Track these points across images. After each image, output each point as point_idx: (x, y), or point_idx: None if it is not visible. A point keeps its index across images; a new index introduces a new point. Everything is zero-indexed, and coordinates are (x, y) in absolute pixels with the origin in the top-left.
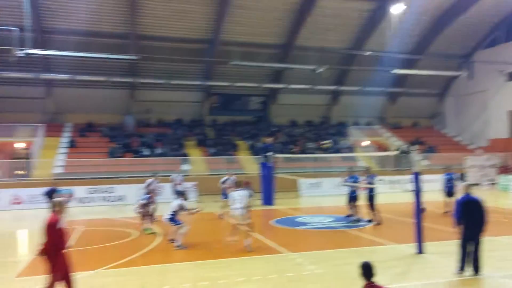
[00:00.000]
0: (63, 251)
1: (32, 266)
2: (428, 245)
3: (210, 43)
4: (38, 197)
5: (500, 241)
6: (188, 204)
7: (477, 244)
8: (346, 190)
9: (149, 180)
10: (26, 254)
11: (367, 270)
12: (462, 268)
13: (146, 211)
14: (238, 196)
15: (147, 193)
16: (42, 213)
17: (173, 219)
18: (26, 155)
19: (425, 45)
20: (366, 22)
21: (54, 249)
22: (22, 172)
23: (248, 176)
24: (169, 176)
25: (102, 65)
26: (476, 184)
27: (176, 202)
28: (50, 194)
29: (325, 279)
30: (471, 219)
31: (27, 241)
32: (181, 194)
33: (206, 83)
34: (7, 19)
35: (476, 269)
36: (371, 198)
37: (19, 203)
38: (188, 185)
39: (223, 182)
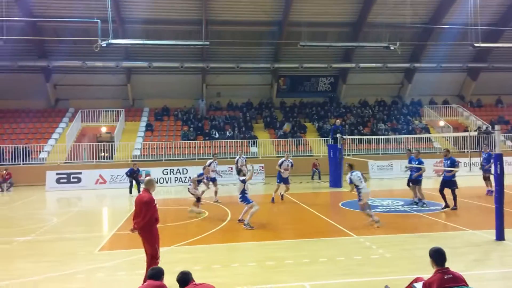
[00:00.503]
0: (157, 225)
1: (112, 241)
2: (509, 232)
3: (278, 24)
4: (120, 177)
5: None
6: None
7: None
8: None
9: (209, 161)
10: (109, 230)
11: (437, 256)
12: None
13: (195, 192)
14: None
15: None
16: (123, 192)
17: (244, 198)
18: (109, 139)
19: (511, 15)
20: None
21: (150, 224)
22: (105, 154)
23: (317, 158)
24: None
25: (175, 51)
26: None
27: (240, 182)
28: (131, 174)
29: (395, 263)
30: None
31: (110, 217)
32: (239, 171)
33: (274, 66)
34: (92, 11)
35: None
36: (452, 183)
37: (103, 183)
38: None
39: (280, 165)
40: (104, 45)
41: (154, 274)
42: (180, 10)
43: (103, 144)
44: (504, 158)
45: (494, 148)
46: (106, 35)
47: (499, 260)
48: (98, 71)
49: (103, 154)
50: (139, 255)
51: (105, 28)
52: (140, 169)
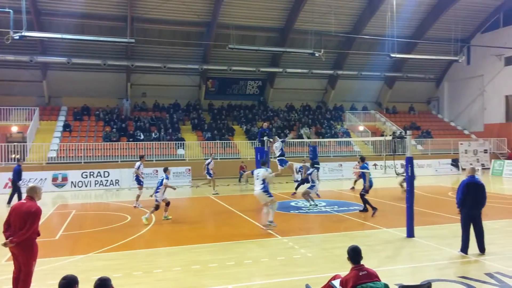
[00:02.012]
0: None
1: None
2: (418, 229)
3: (208, 26)
4: (32, 181)
5: (486, 225)
6: None
7: (479, 225)
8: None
9: (208, 160)
10: None
11: (354, 254)
12: (463, 249)
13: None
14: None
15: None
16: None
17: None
18: (21, 139)
19: (424, 29)
20: (366, 5)
21: (33, 238)
22: (16, 156)
23: (244, 161)
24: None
25: (98, 48)
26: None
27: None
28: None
29: (315, 262)
30: (473, 200)
31: None
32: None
33: (202, 67)
34: (2, 0)
35: (481, 249)
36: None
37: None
38: (182, 170)
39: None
40: (17, 37)
41: (66, 283)
42: (104, 4)
43: (14, 145)
44: (415, 161)
45: (406, 152)
46: (19, 27)
47: (408, 256)
48: (9, 65)
49: (13, 155)
50: (51, 265)
51: (18, 19)
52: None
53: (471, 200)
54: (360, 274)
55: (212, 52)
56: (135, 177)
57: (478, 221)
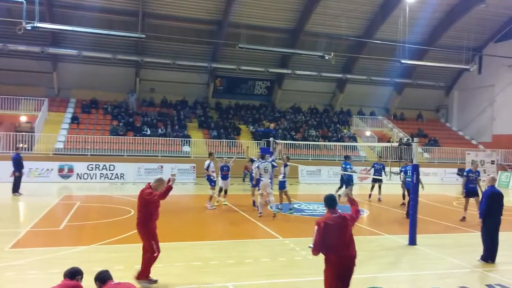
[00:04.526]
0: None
1: (26, 238)
2: (421, 237)
3: (219, 24)
4: (39, 170)
5: None
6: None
7: (497, 234)
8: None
9: (207, 162)
10: (23, 226)
11: (328, 200)
12: (487, 258)
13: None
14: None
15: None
16: (41, 186)
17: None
18: (29, 129)
19: (436, 36)
20: (378, 10)
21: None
22: (24, 145)
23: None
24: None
25: (109, 42)
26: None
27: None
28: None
29: (316, 265)
30: (496, 210)
31: (25, 213)
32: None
33: (212, 65)
34: None
35: (494, 258)
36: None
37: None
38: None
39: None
40: (29, 28)
41: (70, 273)
42: None
43: (22, 135)
44: (421, 169)
45: (413, 159)
46: (32, 18)
47: (409, 264)
48: (21, 56)
49: (21, 145)
50: (54, 254)
51: (31, 10)
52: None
53: (495, 210)
54: (333, 215)
55: (222, 51)
56: (206, 176)
57: (498, 231)
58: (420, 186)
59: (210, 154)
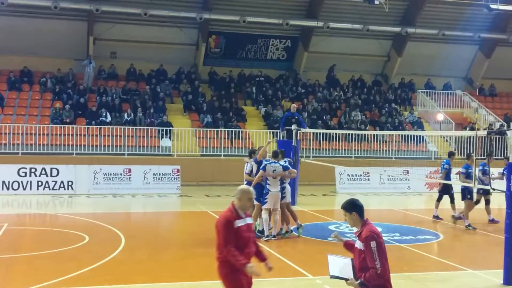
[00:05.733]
0: None
1: None
2: None
3: None
4: None
5: None
6: None
7: None
8: None
9: (248, 167)
10: None
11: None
12: None
13: None
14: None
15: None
16: None
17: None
18: None
19: None
20: None
21: None
22: None
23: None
24: None
25: None
26: None
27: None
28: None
29: None
30: None
31: None
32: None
33: (202, 17)
34: None
35: None
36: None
37: None
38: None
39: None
40: None
41: None
42: None
43: None
44: None
45: (509, 155)
46: None
47: None
48: None
49: None
50: None
51: None
52: None
53: None
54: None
55: None
56: (245, 182)
57: None
58: None
59: (252, 152)
